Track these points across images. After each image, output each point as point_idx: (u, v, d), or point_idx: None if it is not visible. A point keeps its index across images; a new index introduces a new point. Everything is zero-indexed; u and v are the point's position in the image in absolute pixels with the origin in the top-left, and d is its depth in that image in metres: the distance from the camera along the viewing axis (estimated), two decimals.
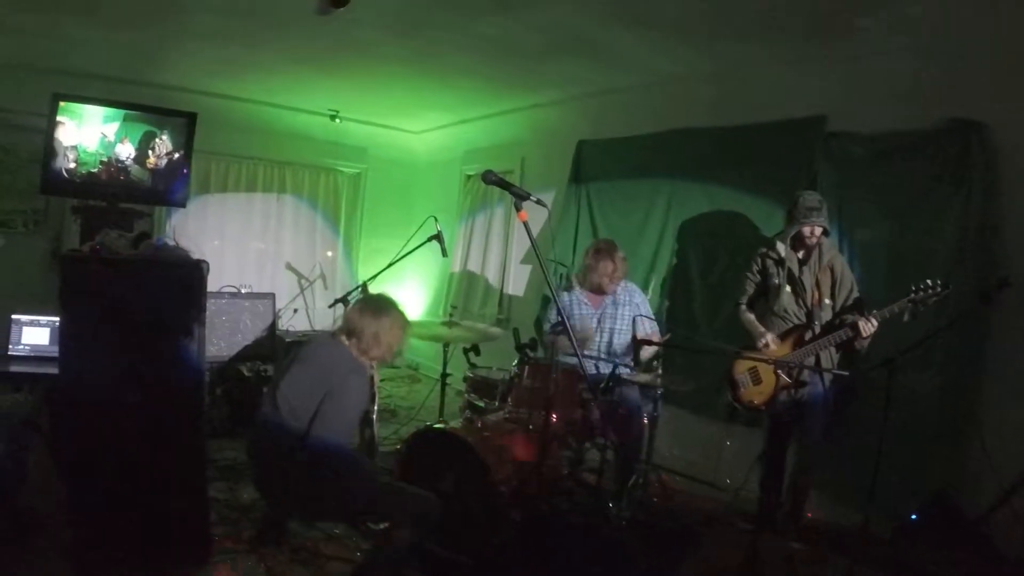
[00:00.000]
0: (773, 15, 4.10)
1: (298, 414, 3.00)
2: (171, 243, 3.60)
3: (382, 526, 3.30)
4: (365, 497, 3.14)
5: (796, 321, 4.09)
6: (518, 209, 2.77)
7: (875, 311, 3.74)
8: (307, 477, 2.99)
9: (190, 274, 3.38)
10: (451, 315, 4.64)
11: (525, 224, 2.75)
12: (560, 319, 2.86)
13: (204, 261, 3.46)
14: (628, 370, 4.33)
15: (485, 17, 4.49)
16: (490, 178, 2.83)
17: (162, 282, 3.29)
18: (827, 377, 3.96)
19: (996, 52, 3.88)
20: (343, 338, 3.22)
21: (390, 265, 4.64)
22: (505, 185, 2.84)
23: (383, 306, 3.31)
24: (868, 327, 3.69)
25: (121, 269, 3.23)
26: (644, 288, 5.09)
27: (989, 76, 3.92)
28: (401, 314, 3.34)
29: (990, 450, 3.66)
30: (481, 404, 4.08)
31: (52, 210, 6.57)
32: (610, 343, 4.57)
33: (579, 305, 4.65)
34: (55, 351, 4.15)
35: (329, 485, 3.03)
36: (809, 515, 4.17)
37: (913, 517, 3.83)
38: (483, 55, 5.30)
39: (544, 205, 2.76)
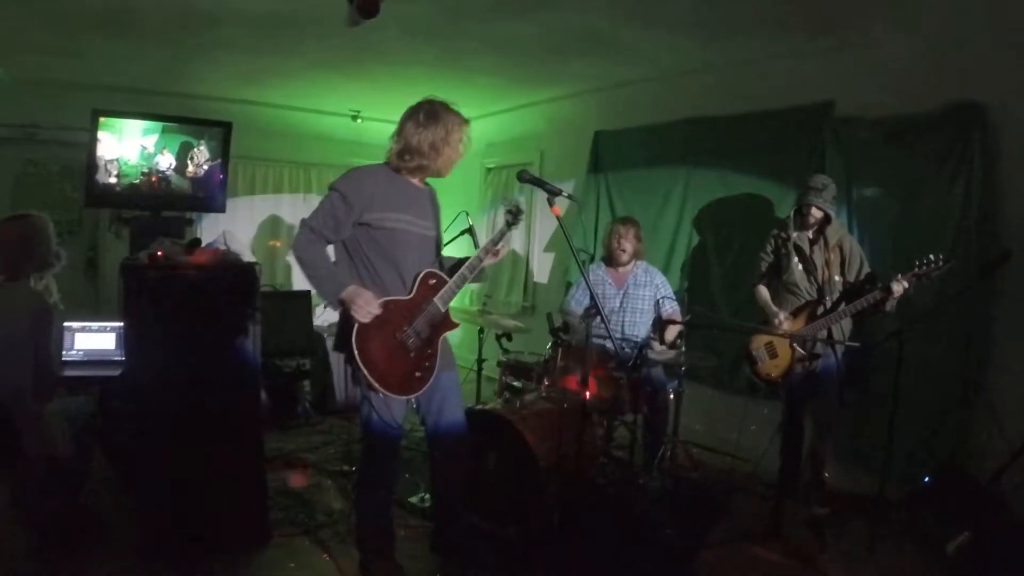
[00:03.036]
0: (776, 12, 4.27)
1: None
2: (222, 247, 3.80)
3: None
4: None
5: (808, 297, 4.27)
6: (551, 204, 2.99)
7: (902, 275, 3.85)
8: None
9: (244, 276, 3.58)
10: (485, 304, 4.82)
11: (559, 218, 2.97)
12: (593, 303, 3.07)
13: (257, 263, 3.68)
14: (652, 349, 4.51)
15: (504, 22, 4.68)
16: (525, 177, 3.04)
17: (218, 285, 3.50)
18: (839, 349, 4.12)
19: (995, 36, 4.00)
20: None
21: None
22: (539, 183, 3.04)
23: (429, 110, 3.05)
24: (900, 287, 3.82)
25: (179, 274, 3.43)
26: (664, 271, 5.28)
27: (988, 59, 4.04)
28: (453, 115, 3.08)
29: (999, 415, 3.82)
30: (518, 385, 4.27)
31: (86, 221, 6.81)
32: (632, 322, 4.74)
33: (603, 285, 4.82)
34: (108, 355, 4.45)
35: None
36: (827, 481, 4.32)
37: (926, 480, 3.99)
38: (503, 56, 5.47)
39: (575, 200, 2.97)
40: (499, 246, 3.12)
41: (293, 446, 5.16)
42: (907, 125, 4.38)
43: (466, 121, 3.11)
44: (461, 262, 3.15)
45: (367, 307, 2.79)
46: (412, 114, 3.03)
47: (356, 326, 2.82)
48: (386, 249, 2.97)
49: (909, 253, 3.96)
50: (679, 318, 4.63)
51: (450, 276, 3.08)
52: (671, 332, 4.63)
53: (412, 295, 2.97)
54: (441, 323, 3.07)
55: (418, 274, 3.01)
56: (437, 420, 3.23)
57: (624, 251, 4.75)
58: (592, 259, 5.95)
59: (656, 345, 4.52)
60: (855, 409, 4.47)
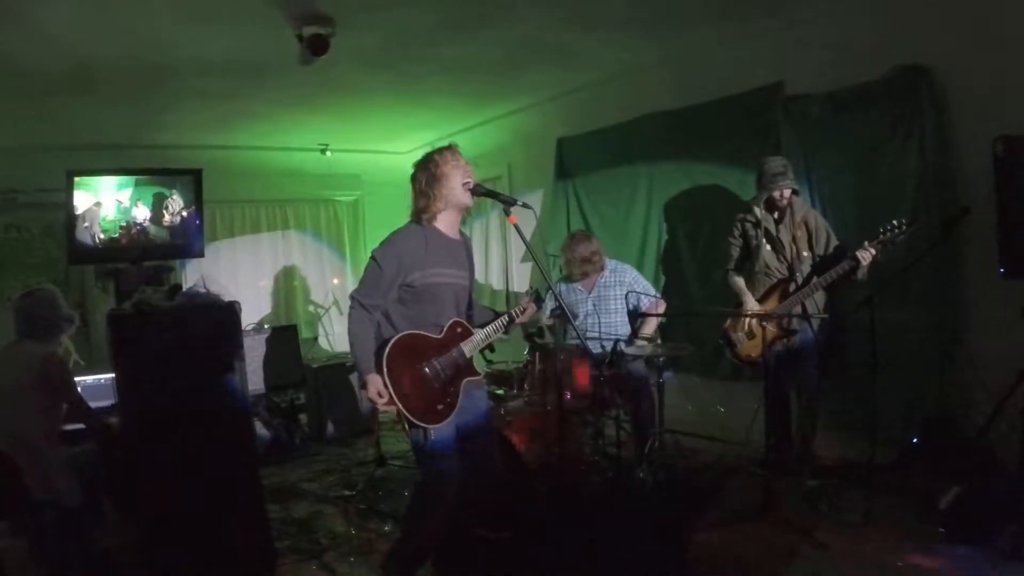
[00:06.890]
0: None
1: None
2: (202, 291, 3.89)
3: None
4: None
5: (779, 276, 4.38)
6: (507, 214, 3.09)
7: (868, 242, 3.92)
8: None
9: (225, 315, 3.73)
10: None
11: (516, 226, 3.06)
12: (557, 303, 3.17)
13: (236, 302, 3.80)
14: (630, 345, 4.58)
15: (450, 43, 4.82)
16: (479, 190, 3.12)
17: (201, 325, 3.64)
18: (815, 322, 4.20)
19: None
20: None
21: None
22: (493, 195, 3.13)
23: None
24: (867, 255, 3.90)
25: (163, 319, 3.56)
26: (638, 267, 5.36)
27: (930, 21, 4.13)
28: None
29: (979, 366, 3.88)
30: (500, 392, 4.38)
31: (73, 278, 6.91)
32: (608, 323, 4.79)
33: (574, 292, 4.92)
34: (102, 405, 4.49)
35: None
36: (817, 453, 4.38)
37: (914, 440, 4.07)
38: (457, 75, 5.60)
39: (530, 208, 3.05)
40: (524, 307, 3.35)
41: (295, 477, 5.25)
42: (856, 95, 4.45)
43: (449, 147, 3.24)
44: (495, 315, 3.37)
45: (375, 389, 2.95)
46: (412, 172, 3.22)
47: (386, 357, 2.97)
48: (427, 301, 3.12)
49: (872, 220, 4.03)
50: (659, 309, 4.72)
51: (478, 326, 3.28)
52: (649, 326, 4.72)
53: (442, 336, 3.13)
54: (464, 368, 3.18)
55: (449, 321, 3.16)
56: (473, 440, 3.28)
57: (592, 260, 4.81)
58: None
59: (636, 341, 4.60)
60: (838, 378, 4.52)
